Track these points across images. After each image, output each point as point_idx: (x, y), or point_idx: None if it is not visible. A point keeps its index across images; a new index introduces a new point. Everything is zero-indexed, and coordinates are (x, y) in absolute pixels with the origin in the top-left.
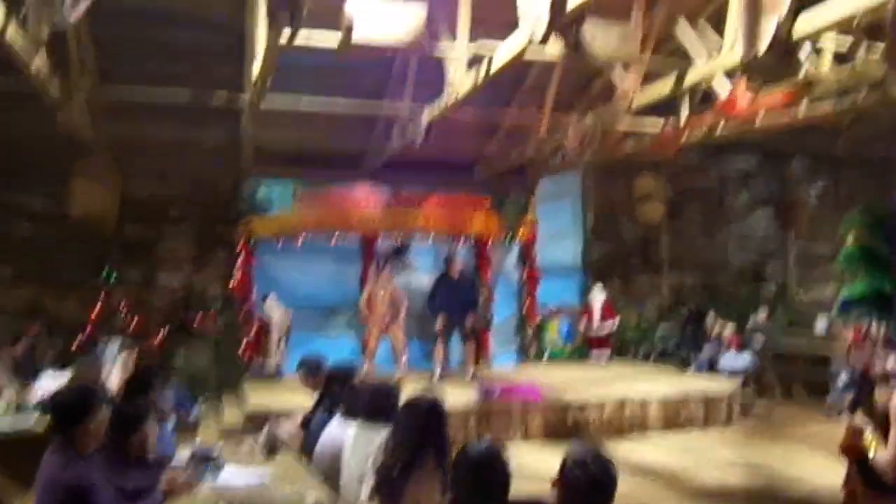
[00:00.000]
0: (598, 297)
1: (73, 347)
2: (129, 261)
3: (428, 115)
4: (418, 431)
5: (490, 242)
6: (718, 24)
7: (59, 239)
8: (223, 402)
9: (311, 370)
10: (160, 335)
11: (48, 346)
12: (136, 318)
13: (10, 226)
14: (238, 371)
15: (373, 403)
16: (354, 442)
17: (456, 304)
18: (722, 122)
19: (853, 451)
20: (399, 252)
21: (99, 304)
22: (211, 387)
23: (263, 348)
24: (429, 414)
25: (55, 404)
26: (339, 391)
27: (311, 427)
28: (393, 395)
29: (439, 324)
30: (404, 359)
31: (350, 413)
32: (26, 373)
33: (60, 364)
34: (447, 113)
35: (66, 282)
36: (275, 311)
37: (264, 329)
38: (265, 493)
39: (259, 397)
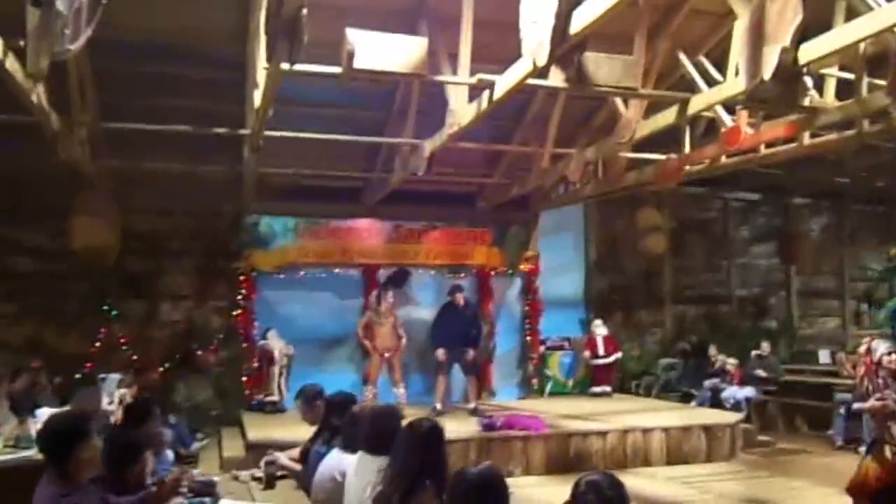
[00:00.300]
0: (599, 330)
1: (74, 382)
2: (130, 295)
3: (430, 145)
4: (418, 453)
5: (492, 275)
6: (717, 61)
7: (60, 274)
8: (224, 436)
9: (309, 400)
10: (161, 369)
11: (48, 382)
12: (137, 353)
13: (11, 261)
14: (238, 404)
15: (374, 428)
16: (356, 470)
17: (459, 337)
18: (724, 155)
19: (862, 488)
20: (399, 279)
21: (100, 339)
22: (211, 421)
23: (264, 382)
24: (429, 435)
25: (45, 431)
26: (337, 421)
27: (309, 459)
28: (395, 420)
29: (441, 356)
30: (402, 389)
31: (349, 444)
32: (24, 408)
33: (60, 399)
34: (450, 142)
35: (68, 316)
36: (276, 345)
37: (265, 363)
38: None
39: (260, 431)
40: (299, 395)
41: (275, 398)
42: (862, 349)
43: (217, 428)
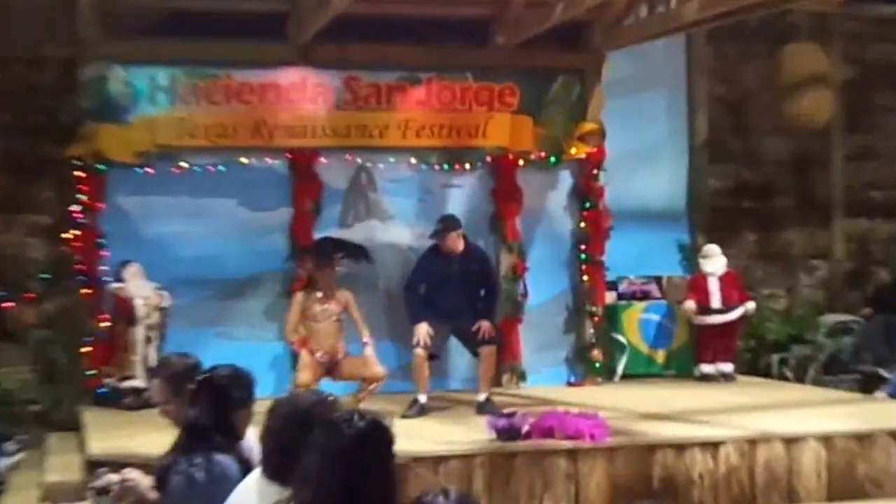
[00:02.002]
0: (713, 265)
1: None
2: None
3: None
4: (340, 477)
5: (519, 166)
6: None
7: None
8: (51, 448)
9: (174, 380)
10: None
11: None
12: None
13: None
14: (76, 392)
15: (280, 434)
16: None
17: (454, 308)
18: None
19: None
20: (357, 252)
21: None
22: (32, 420)
23: (120, 355)
24: (359, 444)
25: None
26: (216, 418)
27: (168, 485)
28: (319, 419)
29: (423, 336)
30: (374, 387)
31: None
32: None
33: None
34: None
35: None
36: (139, 291)
37: (122, 322)
38: None
39: (110, 438)
40: (157, 372)
41: (137, 382)
42: None
43: (40, 433)
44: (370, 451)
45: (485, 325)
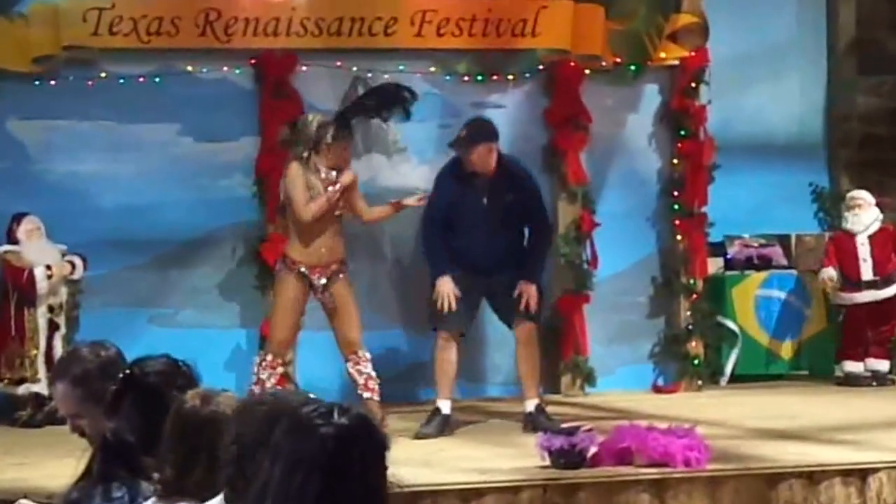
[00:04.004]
0: (862, 220)
1: None
2: None
3: None
4: (308, 499)
5: (584, 76)
6: None
7: None
8: None
9: (85, 381)
10: None
11: None
12: None
13: None
14: None
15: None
16: None
17: (484, 251)
18: None
19: None
20: (393, 98)
21: None
22: None
23: (12, 348)
24: (339, 452)
25: None
26: (150, 426)
27: None
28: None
29: (444, 293)
30: (366, 365)
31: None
32: None
33: None
34: None
35: None
36: (40, 257)
37: (14, 298)
38: None
39: None
40: (61, 372)
41: (38, 387)
42: None
43: None
44: (354, 459)
45: (528, 289)
